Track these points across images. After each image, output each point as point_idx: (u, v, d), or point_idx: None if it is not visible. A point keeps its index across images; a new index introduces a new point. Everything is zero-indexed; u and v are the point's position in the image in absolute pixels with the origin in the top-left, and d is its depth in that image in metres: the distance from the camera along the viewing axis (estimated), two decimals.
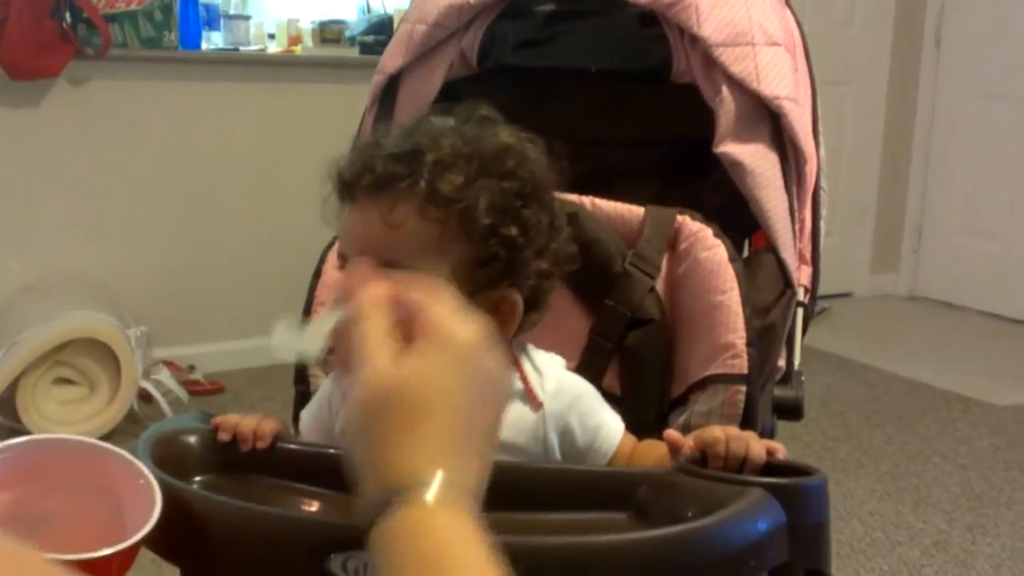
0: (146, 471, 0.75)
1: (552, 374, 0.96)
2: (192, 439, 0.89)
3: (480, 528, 0.55)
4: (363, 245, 0.87)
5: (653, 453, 0.93)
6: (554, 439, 0.92)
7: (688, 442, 0.85)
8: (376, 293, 0.63)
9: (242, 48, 3.31)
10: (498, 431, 0.63)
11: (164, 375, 2.82)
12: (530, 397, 0.93)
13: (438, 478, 0.55)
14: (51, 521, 0.75)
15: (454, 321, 0.61)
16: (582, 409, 0.95)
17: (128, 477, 0.75)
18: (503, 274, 0.89)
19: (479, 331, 0.61)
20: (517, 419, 0.92)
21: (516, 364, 0.95)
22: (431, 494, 0.55)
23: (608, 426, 0.96)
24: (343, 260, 0.91)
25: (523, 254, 0.89)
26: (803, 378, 1.24)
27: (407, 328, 0.61)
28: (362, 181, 0.87)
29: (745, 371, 1.05)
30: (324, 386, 1.03)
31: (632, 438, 0.97)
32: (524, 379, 0.94)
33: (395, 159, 0.87)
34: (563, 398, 0.94)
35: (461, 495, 0.56)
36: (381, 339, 0.60)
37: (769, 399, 1.16)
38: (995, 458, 2.71)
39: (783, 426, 1.22)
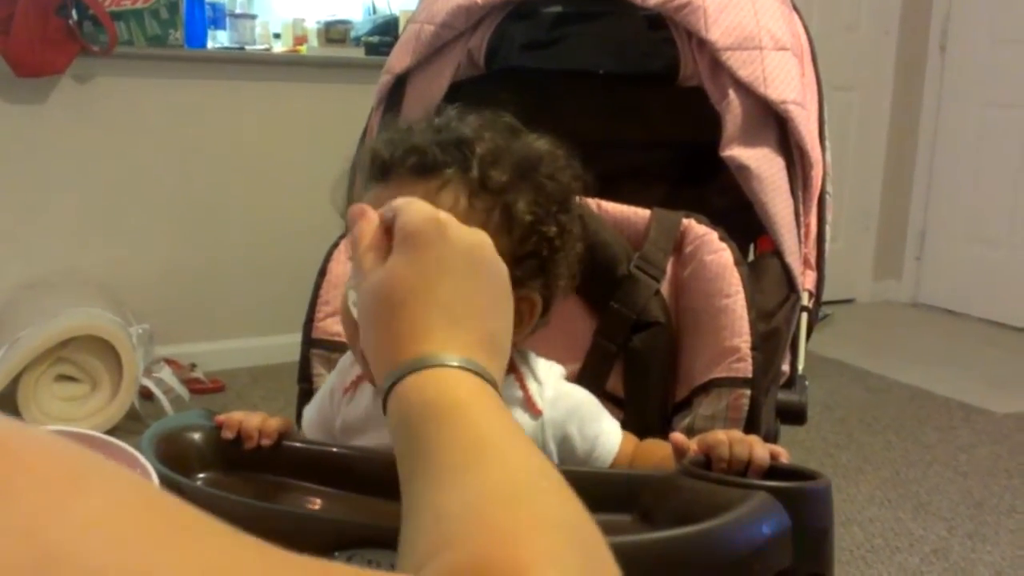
0: (140, 457, 0.74)
1: (551, 383, 0.94)
2: (196, 436, 0.88)
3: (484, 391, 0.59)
4: None
5: (656, 453, 0.93)
6: (552, 447, 0.91)
7: (692, 445, 0.85)
8: (367, 212, 0.69)
9: (247, 47, 3.31)
10: (503, 315, 0.68)
11: (165, 373, 2.82)
12: (529, 405, 0.92)
13: (427, 353, 0.60)
14: None
15: (425, 222, 0.65)
16: (582, 418, 0.93)
17: (122, 464, 0.74)
18: (535, 274, 0.89)
19: (446, 228, 0.65)
20: None
21: (516, 372, 0.93)
22: (418, 366, 0.59)
23: (607, 434, 0.95)
24: None
25: (557, 256, 0.90)
26: (807, 383, 1.24)
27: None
28: (406, 162, 0.85)
29: (749, 375, 1.05)
30: (328, 380, 1.03)
31: (633, 438, 0.97)
32: (524, 387, 0.93)
33: (442, 145, 0.86)
34: (562, 407, 0.93)
35: (462, 368, 0.60)
36: (367, 247, 0.67)
37: (773, 403, 1.16)
38: (996, 466, 2.71)
39: (784, 431, 1.22)
